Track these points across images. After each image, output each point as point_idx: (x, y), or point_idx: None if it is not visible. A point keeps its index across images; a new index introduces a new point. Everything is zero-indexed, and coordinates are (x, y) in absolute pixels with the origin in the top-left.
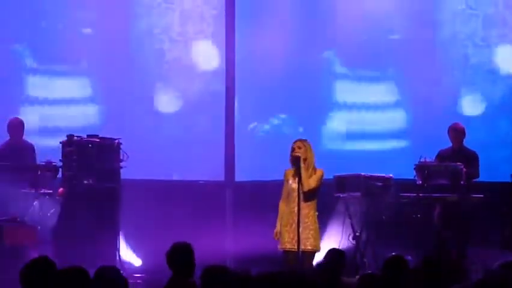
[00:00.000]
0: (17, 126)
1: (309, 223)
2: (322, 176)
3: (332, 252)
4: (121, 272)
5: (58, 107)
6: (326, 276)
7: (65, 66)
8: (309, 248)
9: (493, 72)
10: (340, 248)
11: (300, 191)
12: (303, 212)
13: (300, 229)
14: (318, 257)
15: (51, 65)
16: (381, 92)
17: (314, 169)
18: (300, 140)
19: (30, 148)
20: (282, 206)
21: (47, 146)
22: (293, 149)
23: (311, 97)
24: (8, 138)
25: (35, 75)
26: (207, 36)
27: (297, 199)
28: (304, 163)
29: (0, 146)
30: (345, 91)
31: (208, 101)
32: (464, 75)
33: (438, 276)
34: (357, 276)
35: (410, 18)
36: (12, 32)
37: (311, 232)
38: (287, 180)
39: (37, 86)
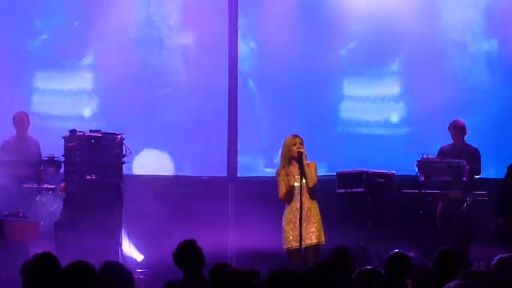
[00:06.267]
0: (22, 120)
1: (311, 217)
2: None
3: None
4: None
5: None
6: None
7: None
8: (315, 241)
9: (491, 60)
10: (343, 244)
11: (304, 188)
12: (307, 206)
13: (304, 224)
14: (322, 250)
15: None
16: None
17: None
18: (298, 136)
19: (35, 143)
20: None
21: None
22: (295, 145)
23: (316, 93)
24: (15, 132)
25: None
26: (207, 26)
27: (299, 196)
28: (305, 159)
29: (7, 139)
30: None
31: (210, 97)
32: (463, 63)
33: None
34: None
35: (410, 7)
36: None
37: (315, 225)
38: (284, 180)
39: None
